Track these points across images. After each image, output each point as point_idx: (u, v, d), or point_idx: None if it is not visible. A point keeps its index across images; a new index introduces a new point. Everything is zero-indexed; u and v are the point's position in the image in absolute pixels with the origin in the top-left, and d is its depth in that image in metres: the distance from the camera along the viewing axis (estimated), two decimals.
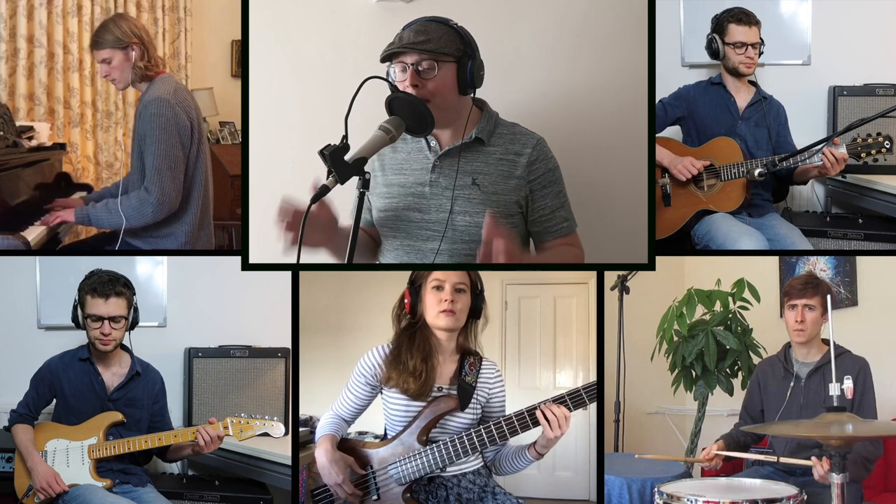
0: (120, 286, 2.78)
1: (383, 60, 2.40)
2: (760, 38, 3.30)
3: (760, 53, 3.31)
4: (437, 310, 2.37)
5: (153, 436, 2.74)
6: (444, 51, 2.35)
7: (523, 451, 2.42)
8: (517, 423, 2.33)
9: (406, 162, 2.50)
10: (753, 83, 3.35)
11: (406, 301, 2.42)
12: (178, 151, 3.04)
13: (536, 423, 2.32)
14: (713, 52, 3.35)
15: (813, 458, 2.35)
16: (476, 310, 2.44)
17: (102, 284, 2.77)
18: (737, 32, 3.28)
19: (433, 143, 2.47)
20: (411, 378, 2.35)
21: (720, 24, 3.33)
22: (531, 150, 2.44)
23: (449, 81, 2.37)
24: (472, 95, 2.45)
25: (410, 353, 2.38)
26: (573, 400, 2.32)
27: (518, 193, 2.44)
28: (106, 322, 2.75)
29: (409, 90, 2.33)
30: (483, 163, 2.43)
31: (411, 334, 2.41)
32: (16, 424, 2.80)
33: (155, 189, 3.01)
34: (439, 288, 2.37)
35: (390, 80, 2.39)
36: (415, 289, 2.41)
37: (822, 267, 3.44)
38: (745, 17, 3.31)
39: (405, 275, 2.46)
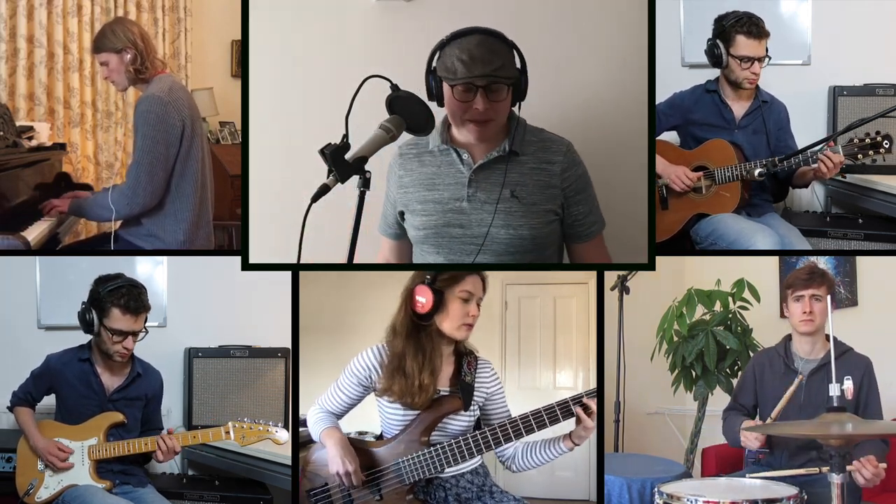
0: (146, 299, 2.76)
1: (448, 80, 2.31)
2: (767, 50, 3.10)
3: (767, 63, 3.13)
4: (460, 322, 2.34)
5: (150, 439, 2.73)
6: (512, 74, 2.33)
7: (556, 442, 2.38)
8: (535, 421, 2.30)
9: (437, 177, 2.45)
10: None
11: (424, 301, 2.33)
12: (163, 149, 3.06)
13: (554, 422, 2.30)
14: (715, 59, 3.15)
15: (854, 462, 2.32)
16: None
17: (134, 300, 2.71)
18: (745, 46, 3.07)
19: (465, 155, 2.42)
20: (417, 394, 2.32)
21: (726, 32, 3.09)
22: (562, 157, 2.43)
23: (509, 102, 2.36)
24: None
25: (417, 364, 2.33)
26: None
27: (554, 202, 2.43)
28: (130, 338, 2.74)
29: (478, 110, 2.29)
30: (518, 173, 2.40)
31: (416, 340, 2.36)
32: (17, 406, 2.82)
33: (130, 179, 3.07)
34: (467, 301, 2.34)
35: (434, 90, 2.36)
36: (435, 291, 2.33)
37: (821, 267, 3.44)
38: (755, 30, 3.05)
39: (406, 275, 2.45)
